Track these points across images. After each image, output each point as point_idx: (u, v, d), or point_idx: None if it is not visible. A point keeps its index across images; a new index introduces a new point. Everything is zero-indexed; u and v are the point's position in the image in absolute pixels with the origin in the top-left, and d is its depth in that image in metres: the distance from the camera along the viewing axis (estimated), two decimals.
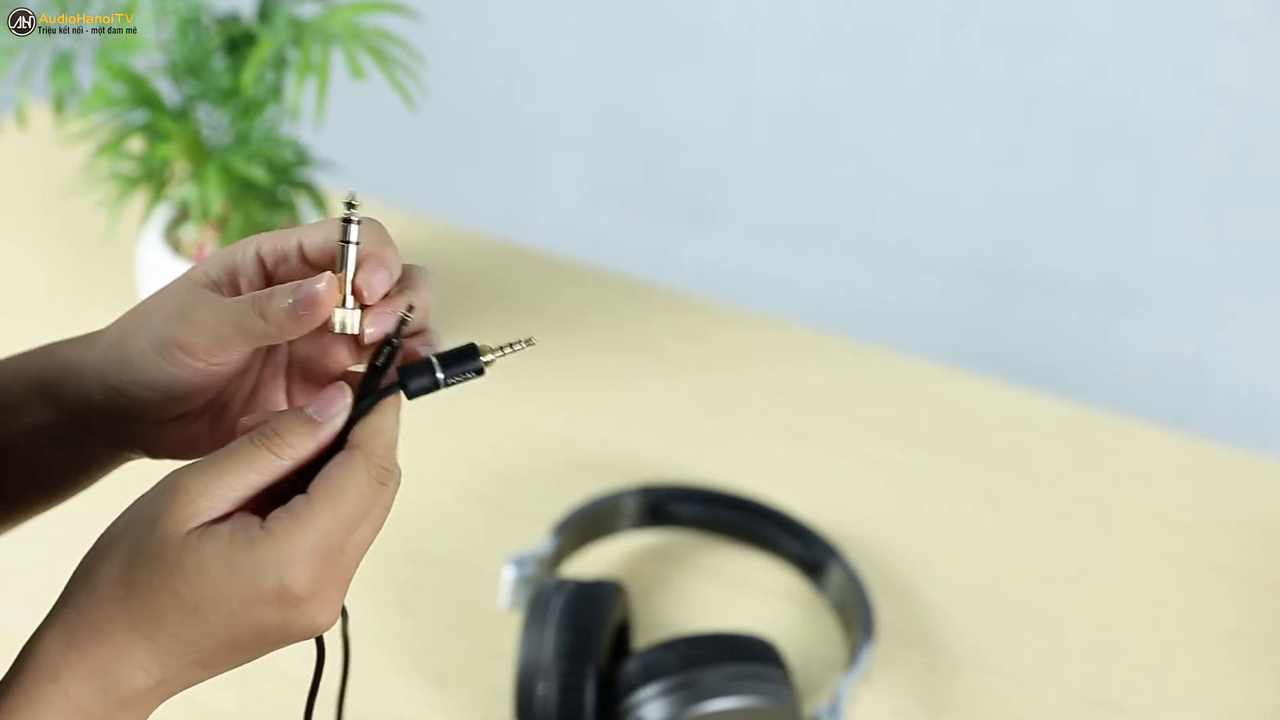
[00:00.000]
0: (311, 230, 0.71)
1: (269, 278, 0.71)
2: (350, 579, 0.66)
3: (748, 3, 2.32)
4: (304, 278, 0.70)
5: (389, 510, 0.67)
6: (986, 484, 1.36)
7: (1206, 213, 2.27)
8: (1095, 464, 1.39)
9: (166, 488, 0.64)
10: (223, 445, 0.69)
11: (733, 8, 2.33)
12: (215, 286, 0.70)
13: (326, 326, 0.68)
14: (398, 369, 0.67)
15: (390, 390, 0.66)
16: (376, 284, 0.68)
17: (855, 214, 2.42)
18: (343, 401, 0.66)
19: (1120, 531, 1.33)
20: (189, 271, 0.72)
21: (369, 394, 0.67)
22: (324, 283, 0.67)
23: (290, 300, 0.67)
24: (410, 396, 0.67)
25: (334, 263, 0.69)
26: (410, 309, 0.67)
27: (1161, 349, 2.35)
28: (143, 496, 0.65)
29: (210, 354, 0.69)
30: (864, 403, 1.44)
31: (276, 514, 0.64)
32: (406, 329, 0.68)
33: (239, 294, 0.70)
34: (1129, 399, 2.17)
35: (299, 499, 0.64)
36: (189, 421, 0.73)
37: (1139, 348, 2.35)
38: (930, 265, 2.41)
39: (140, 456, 0.75)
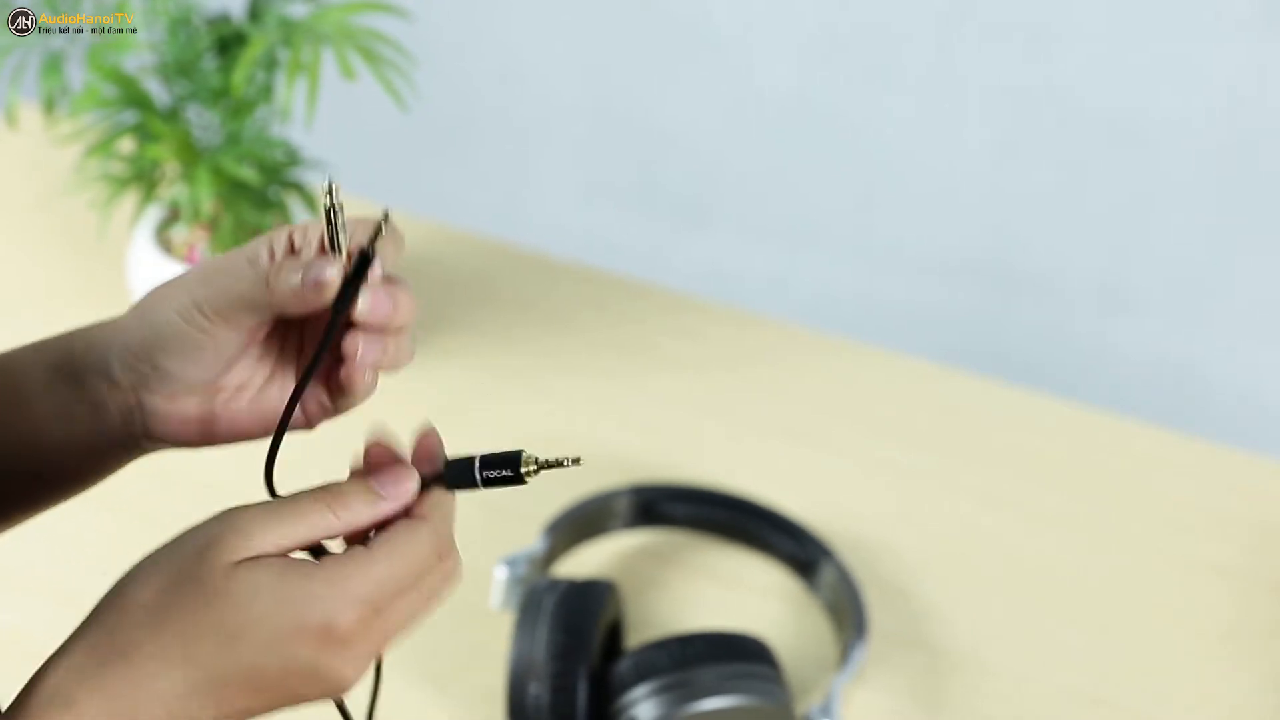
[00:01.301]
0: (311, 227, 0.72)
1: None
2: (385, 645, 0.67)
3: (744, 3, 2.32)
4: None
5: (441, 594, 0.68)
6: (985, 484, 1.35)
7: (1204, 212, 2.26)
8: (1095, 464, 1.38)
9: (220, 522, 0.65)
10: (208, 430, 0.73)
11: (729, 8, 2.33)
12: (252, 261, 0.71)
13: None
14: (445, 463, 0.69)
15: (436, 480, 0.68)
16: (386, 308, 0.70)
17: (852, 214, 2.41)
18: (409, 485, 0.68)
19: (1119, 531, 1.32)
20: (233, 249, 0.73)
21: (345, 303, 0.68)
22: (333, 268, 0.68)
23: (298, 277, 0.68)
24: (449, 488, 0.68)
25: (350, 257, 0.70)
26: (386, 216, 0.69)
27: (1159, 349, 2.34)
28: (186, 531, 0.65)
29: (223, 317, 0.70)
30: (862, 402, 1.43)
31: (332, 556, 0.65)
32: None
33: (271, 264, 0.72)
34: (1127, 399, 2.16)
35: (357, 548, 0.65)
36: (186, 399, 0.73)
37: (1137, 347, 2.35)
38: (927, 265, 2.40)
39: (147, 446, 0.75)
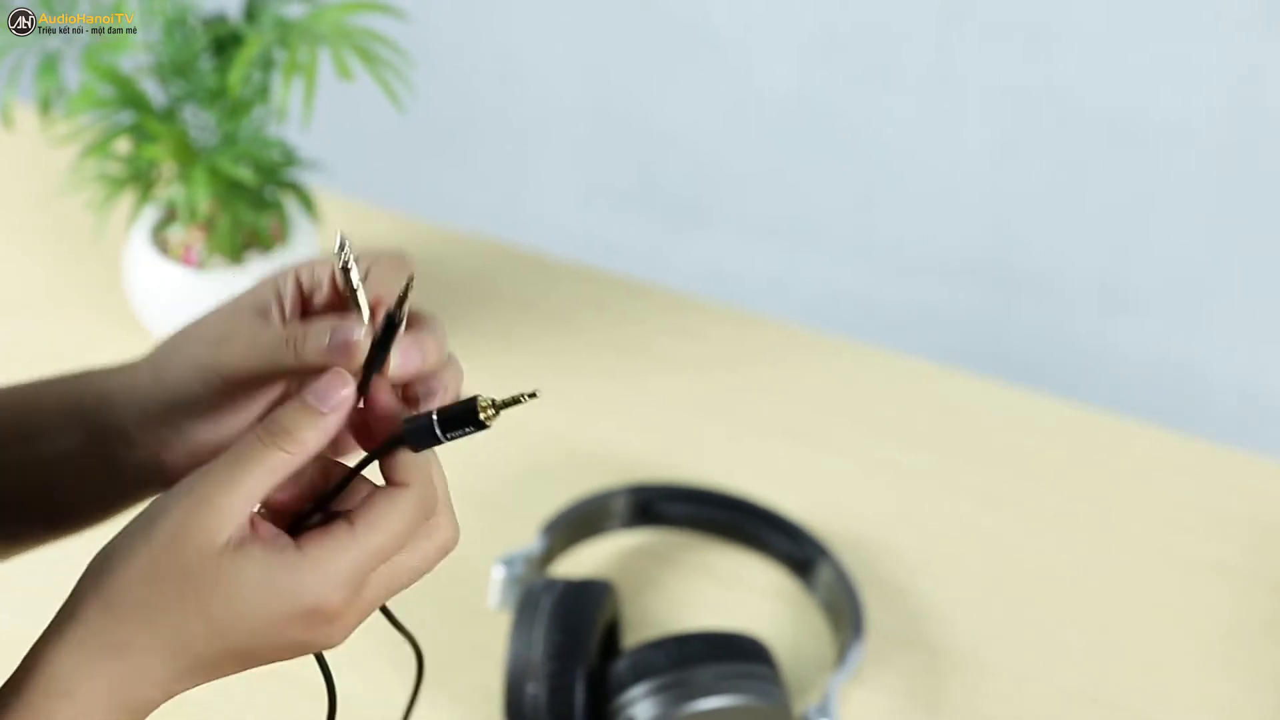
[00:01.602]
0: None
1: (305, 303, 0.72)
2: (373, 609, 0.67)
3: (744, 3, 2.32)
4: (331, 308, 0.71)
5: (432, 555, 0.68)
6: (984, 484, 1.35)
7: (1204, 212, 2.26)
8: (1094, 464, 1.38)
9: (185, 501, 0.64)
10: None
11: (729, 8, 2.32)
12: (262, 311, 0.71)
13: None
14: (404, 422, 0.67)
15: (395, 444, 0.67)
16: (416, 361, 0.69)
17: (851, 214, 2.41)
18: (342, 388, 0.66)
19: (1119, 531, 1.32)
20: (239, 296, 0.73)
21: (373, 368, 0.67)
22: (358, 330, 0.67)
23: (325, 341, 0.67)
24: (415, 449, 0.67)
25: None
26: (410, 282, 0.67)
27: (1159, 348, 2.34)
28: (154, 508, 0.65)
29: (245, 381, 0.70)
30: (861, 402, 1.43)
31: (314, 537, 0.65)
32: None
33: (283, 318, 0.71)
34: (1127, 399, 2.16)
35: (341, 525, 0.65)
36: (208, 455, 0.72)
37: (1136, 347, 2.35)
38: (927, 265, 2.40)
39: (160, 491, 0.74)
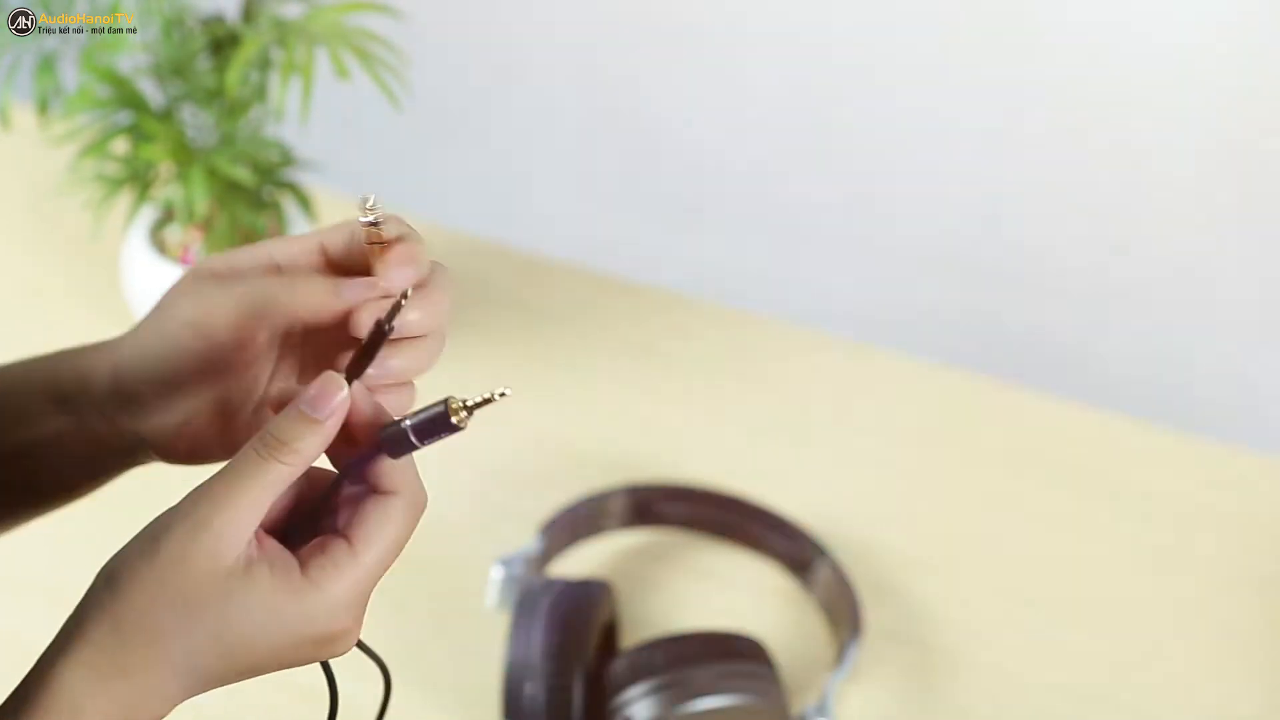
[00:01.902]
0: (332, 231, 0.71)
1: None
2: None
3: (742, 2, 2.32)
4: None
5: (414, 526, 0.68)
6: (980, 482, 1.35)
7: (1200, 210, 2.26)
8: (1092, 463, 1.38)
9: (187, 522, 0.63)
10: (233, 449, 0.69)
11: (727, 7, 2.32)
12: (220, 281, 0.70)
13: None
14: (380, 430, 0.67)
15: (373, 454, 0.66)
16: (403, 277, 0.68)
17: (849, 213, 2.41)
18: (338, 393, 0.65)
19: (1116, 529, 1.32)
20: (193, 269, 0.72)
21: (358, 375, 0.67)
22: (373, 287, 0.68)
23: (339, 294, 0.68)
24: (393, 457, 0.67)
25: (357, 264, 0.69)
26: (405, 295, 0.66)
27: (1156, 346, 2.34)
28: (157, 527, 0.64)
29: (234, 335, 0.69)
30: (859, 401, 1.43)
31: (318, 560, 0.64)
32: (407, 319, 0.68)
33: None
34: (1124, 397, 2.16)
35: (341, 547, 0.65)
36: (200, 426, 0.72)
37: (1133, 345, 2.35)
38: (925, 264, 2.40)
39: (151, 461, 0.75)
